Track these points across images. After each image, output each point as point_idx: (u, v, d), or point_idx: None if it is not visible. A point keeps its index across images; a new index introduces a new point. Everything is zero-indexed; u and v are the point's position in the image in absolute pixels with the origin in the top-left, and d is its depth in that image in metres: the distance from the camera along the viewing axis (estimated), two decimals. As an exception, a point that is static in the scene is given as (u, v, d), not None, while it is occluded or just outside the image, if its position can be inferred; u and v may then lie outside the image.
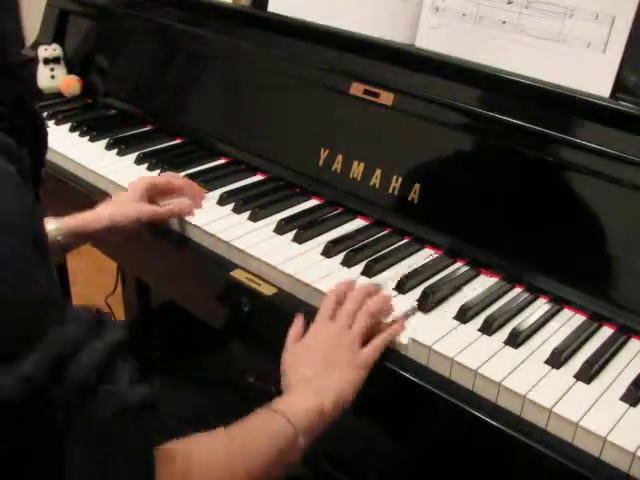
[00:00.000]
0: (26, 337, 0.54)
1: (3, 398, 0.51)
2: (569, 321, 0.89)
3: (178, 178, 1.15)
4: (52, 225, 0.98)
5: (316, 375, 0.79)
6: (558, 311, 0.91)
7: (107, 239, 1.08)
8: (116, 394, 0.59)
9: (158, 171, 1.22)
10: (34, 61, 0.63)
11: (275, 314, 0.93)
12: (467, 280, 0.96)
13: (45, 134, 0.72)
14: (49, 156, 1.30)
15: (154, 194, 1.09)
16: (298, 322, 0.86)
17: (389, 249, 1.02)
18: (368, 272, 0.96)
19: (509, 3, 1.00)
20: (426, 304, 0.89)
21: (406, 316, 0.87)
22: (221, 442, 0.69)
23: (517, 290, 0.94)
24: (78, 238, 1.02)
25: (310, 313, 0.87)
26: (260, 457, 0.70)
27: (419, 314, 0.88)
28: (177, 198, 1.11)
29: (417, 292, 0.92)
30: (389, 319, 0.86)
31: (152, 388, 0.63)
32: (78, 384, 0.55)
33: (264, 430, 0.73)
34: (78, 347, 0.57)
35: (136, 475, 0.58)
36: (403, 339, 0.84)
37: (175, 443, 0.63)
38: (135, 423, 0.60)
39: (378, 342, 0.83)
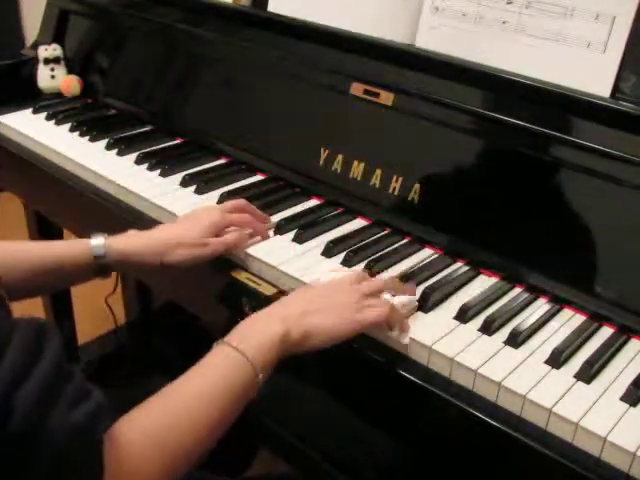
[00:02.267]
0: None
1: None
2: (569, 321, 0.89)
3: (246, 210, 1.03)
4: (95, 241, 0.90)
5: (295, 303, 0.77)
6: (558, 311, 0.91)
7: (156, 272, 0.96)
8: (59, 426, 0.55)
9: (158, 171, 1.22)
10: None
11: (275, 314, 0.93)
12: (467, 280, 0.96)
13: None
14: (49, 156, 1.30)
15: (222, 227, 0.98)
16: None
17: (389, 249, 1.02)
18: (368, 272, 0.95)
19: (509, 3, 1.00)
20: (426, 304, 0.89)
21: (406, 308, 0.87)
22: (152, 414, 0.65)
23: (517, 290, 0.94)
24: (124, 260, 0.92)
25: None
26: (208, 407, 0.67)
27: (419, 314, 0.88)
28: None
29: (417, 292, 0.92)
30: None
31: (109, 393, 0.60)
32: (20, 429, 0.52)
33: (215, 375, 0.69)
34: (15, 383, 0.54)
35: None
36: (403, 339, 0.84)
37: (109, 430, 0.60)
38: (82, 443, 0.57)
39: (385, 310, 0.81)
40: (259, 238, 1.01)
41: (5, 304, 0.59)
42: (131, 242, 0.93)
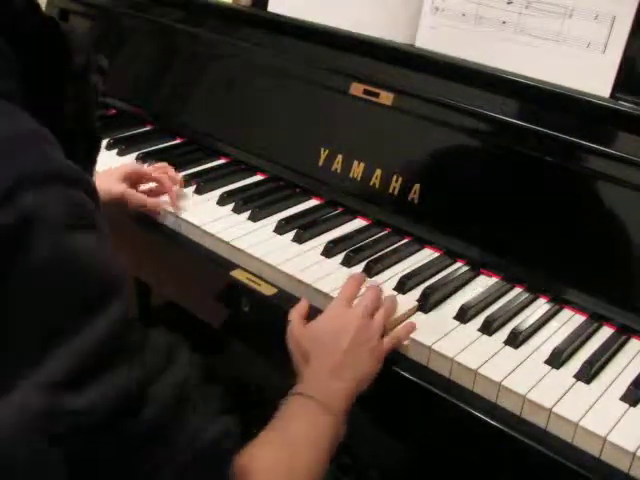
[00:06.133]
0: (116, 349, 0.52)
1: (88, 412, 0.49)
2: (569, 321, 0.89)
3: (159, 170, 1.15)
4: None
5: (341, 362, 0.79)
6: (558, 311, 0.91)
7: None
8: (190, 432, 0.56)
9: (158, 171, 1.22)
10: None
11: (275, 314, 0.93)
12: (467, 280, 0.96)
13: (98, 152, 0.68)
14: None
15: (136, 180, 1.11)
16: (303, 303, 0.87)
17: (389, 249, 1.02)
18: (368, 272, 0.96)
19: (509, 3, 1.00)
20: (426, 304, 0.89)
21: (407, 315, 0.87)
22: (273, 448, 0.67)
23: (517, 290, 0.94)
24: None
25: (310, 313, 0.87)
26: (312, 450, 0.70)
27: (419, 314, 0.88)
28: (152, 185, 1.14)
29: (417, 292, 0.92)
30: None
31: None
32: (153, 419, 0.53)
33: (308, 423, 0.72)
34: (154, 378, 0.54)
35: None
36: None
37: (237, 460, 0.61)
38: (211, 459, 0.57)
39: (397, 335, 0.84)
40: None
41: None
42: None
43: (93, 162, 0.66)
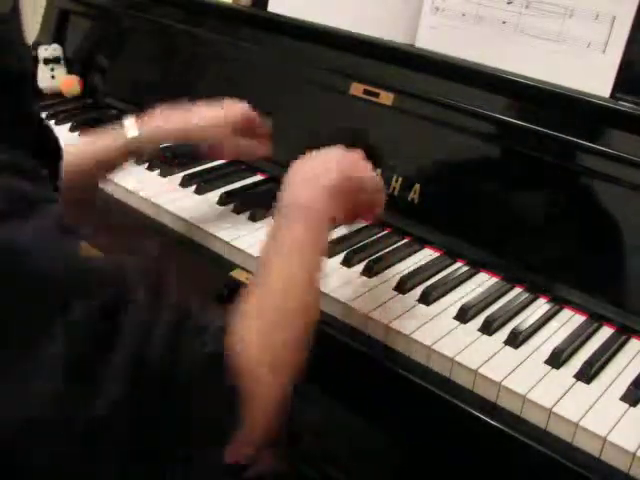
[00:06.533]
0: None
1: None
2: (569, 321, 0.89)
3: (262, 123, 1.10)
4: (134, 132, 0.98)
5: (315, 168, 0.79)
6: (558, 311, 0.91)
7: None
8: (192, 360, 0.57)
9: (158, 171, 1.22)
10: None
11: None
12: (467, 280, 0.96)
13: (55, 142, 0.68)
14: (49, 156, 1.30)
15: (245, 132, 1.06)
16: None
17: (389, 249, 1.02)
18: (368, 272, 0.96)
19: (509, 3, 1.00)
20: (426, 304, 0.89)
21: None
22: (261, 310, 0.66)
23: (517, 290, 0.94)
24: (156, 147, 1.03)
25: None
26: (299, 281, 0.69)
27: (419, 312, 0.88)
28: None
29: (417, 292, 0.92)
30: None
31: None
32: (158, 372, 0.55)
33: (291, 245, 0.71)
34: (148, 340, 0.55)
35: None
36: (403, 338, 0.84)
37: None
38: (219, 369, 0.59)
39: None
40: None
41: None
42: (162, 134, 1.02)
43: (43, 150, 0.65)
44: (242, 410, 0.59)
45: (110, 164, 1.01)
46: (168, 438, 0.56)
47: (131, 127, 0.99)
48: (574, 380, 0.78)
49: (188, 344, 0.57)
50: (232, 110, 1.04)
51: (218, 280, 1.01)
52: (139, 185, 1.16)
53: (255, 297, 0.67)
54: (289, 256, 0.71)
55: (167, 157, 1.22)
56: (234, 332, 0.62)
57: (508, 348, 0.83)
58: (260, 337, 0.64)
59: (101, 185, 1.06)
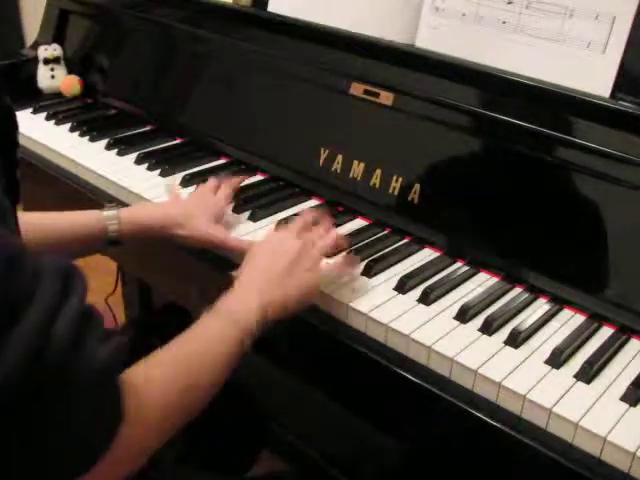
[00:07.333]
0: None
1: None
2: (569, 321, 0.89)
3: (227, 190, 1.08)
4: (108, 212, 0.96)
5: (276, 276, 0.82)
6: (558, 311, 0.91)
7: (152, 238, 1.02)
8: (90, 360, 0.56)
9: (158, 171, 1.22)
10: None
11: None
12: (467, 280, 0.96)
13: (6, 110, 0.68)
14: (49, 156, 1.30)
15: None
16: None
17: (389, 249, 1.02)
18: (368, 272, 0.96)
19: (509, 3, 1.00)
20: (426, 304, 0.89)
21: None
22: (170, 366, 0.68)
23: (517, 290, 0.94)
24: (134, 227, 0.98)
25: (310, 313, 0.87)
26: (209, 367, 0.71)
27: (419, 311, 0.88)
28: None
29: (417, 292, 0.92)
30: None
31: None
32: (56, 363, 0.53)
33: (212, 338, 0.73)
34: (50, 320, 0.54)
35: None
36: (403, 338, 0.84)
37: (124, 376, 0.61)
38: (105, 381, 0.58)
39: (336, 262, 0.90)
40: None
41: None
42: (143, 213, 1.01)
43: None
44: (113, 434, 0.57)
45: (80, 243, 0.97)
46: (30, 433, 0.53)
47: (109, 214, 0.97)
48: (574, 380, 0.78)
49: (92, 339, 0.56)
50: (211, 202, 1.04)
51: (218, 280, 1.01)
52: (141, 185, 1.16)
53: (175, 347, 0.70)
54: (215, 342, 0.74)
55: None
56: (141, 364, 0.64)
57: (508, 348, 0.83)
58: (165, 383, 0.65)
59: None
